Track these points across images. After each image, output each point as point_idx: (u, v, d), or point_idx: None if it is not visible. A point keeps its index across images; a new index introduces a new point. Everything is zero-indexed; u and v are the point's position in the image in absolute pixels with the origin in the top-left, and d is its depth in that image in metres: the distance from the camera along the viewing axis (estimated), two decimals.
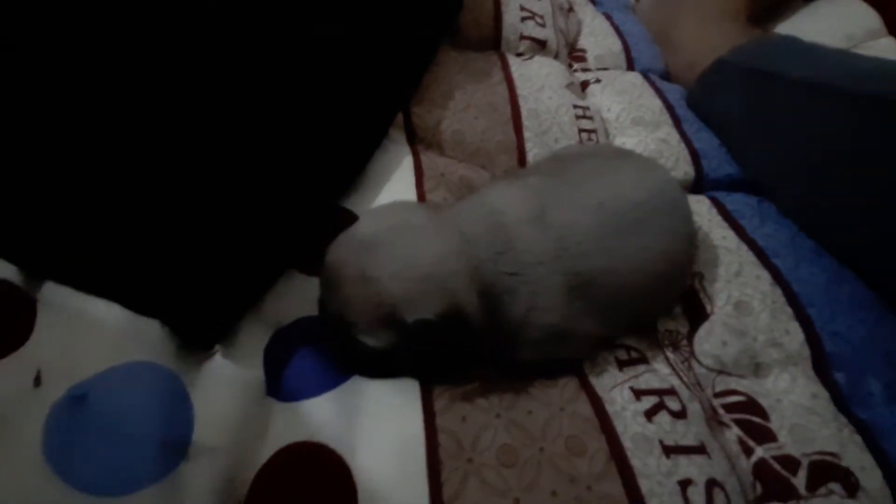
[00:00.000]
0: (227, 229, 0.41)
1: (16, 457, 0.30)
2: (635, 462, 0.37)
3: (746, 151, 0.62)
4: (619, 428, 0.39)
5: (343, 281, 0.37)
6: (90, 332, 0.36)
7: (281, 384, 0.39)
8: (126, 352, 0.35)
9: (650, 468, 0.37)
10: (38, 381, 0.33)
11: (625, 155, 0.53)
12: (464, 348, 0.38)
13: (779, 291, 0.48)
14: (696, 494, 0.36)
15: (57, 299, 0.37)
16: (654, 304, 0.46)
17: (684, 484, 0.36)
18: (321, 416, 0.36)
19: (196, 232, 0.40)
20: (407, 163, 0.53)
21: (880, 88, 0.49)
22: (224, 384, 0.37)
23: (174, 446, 0.33)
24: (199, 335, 0.38)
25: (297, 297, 0.44)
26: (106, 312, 0.36)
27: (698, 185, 0.62)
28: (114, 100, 0.41)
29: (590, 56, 0.76)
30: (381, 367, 0.39)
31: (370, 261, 0.36)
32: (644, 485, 0.36)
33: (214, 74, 0.45)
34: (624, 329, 0.46)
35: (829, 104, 0.53)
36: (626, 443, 0.38)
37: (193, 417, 0.35)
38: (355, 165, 0.51)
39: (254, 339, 0.41)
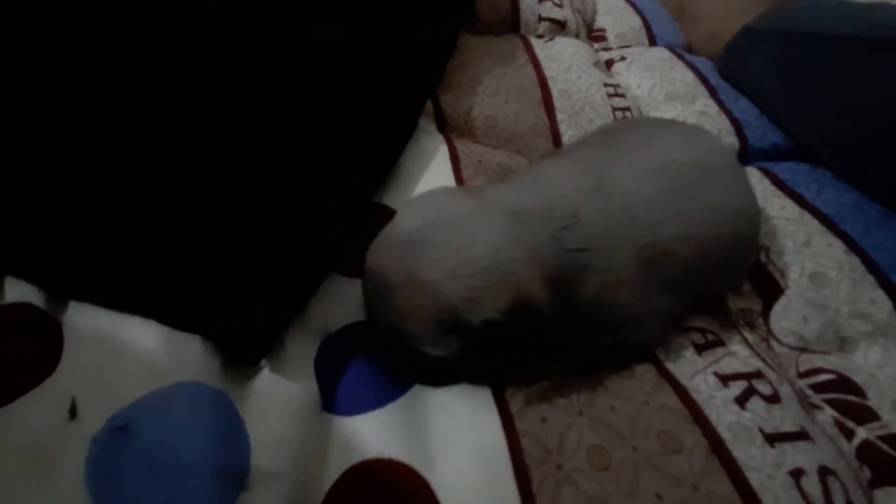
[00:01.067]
0: (265, 234, 0.37)
1: (57, 497, 0.26)
2: (738, 454, 0.33)
3: (790, 117, 0.59)
4: (713, 418, 0.36)
5: (392, 289, 0.32)
6: (125, 354, 0.32)
7: (336, 397, 0.35)
8: (167, 373, 0.31)
9: (756, 460, 0.33)
10: (73, 413, 0.29)
11: (669, 122, 0.50)
12: (535, 344, 0.35)
13: (856, 259, 0.44)
14: (811, 485, 0.32)
15: (84, 321, 0.33)
16: (725, 273, 0.43)
17: (796, 474, 0.33)
18: (388, 429, 0.33)
19: (232, 239, 0.36)
20: (442, 152, 0.49)
21: None
22: (277, 401, 0.33)
23: (232, 475, 0.29)
24: (244, 349, 0.34)
25: (342, 302, 0.40)
26: (141, 331, 0.32)
27: (743, 156, 0.58)
28: (141, 107, 0.38)
29: (610, 35, 0.73)
30: (446, 375, 0.35)
31: (419, 262, 0.32)
32: (753, 479, 0.32)
33: (244, 81, 0.42)
34: (693, 304, 0.42)
35: (879, 56, 0.50)
36: (724, 433, 0.35)
37: (249, 441, 0.31)
38: (388, 159, 0.48)
39: (302, 350, 0.37)
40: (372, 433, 0.33)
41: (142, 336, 0.32)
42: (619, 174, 0.38)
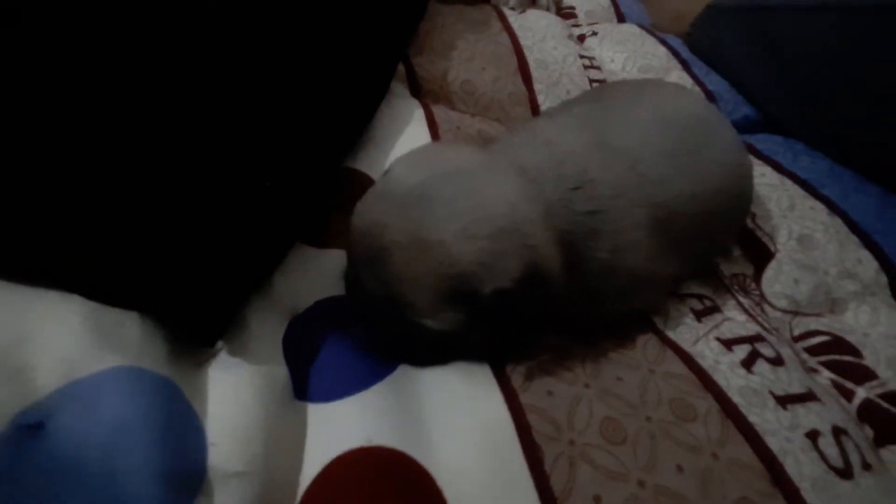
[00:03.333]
0: (219, 194, 0.31)
1: None
2: (753, 419, 0.31)
3: (761, 90, 0.59)
4: (722, 383, 0.33)
5: (390, 249, 0.28)
6: (38, 336, 0.25)
7: (310, 382, 0.30)
8: (95, 358, 0.25)
9: (771, 423, 0.31)
10: None
11: (655, 81, 0.49)
12: (541, 317, 0.31)
13: (839, 221, 0.44)
14: (829, 446, 0.31)
15: None
16: (726, 232, 0.42)
17: (812, 436, 0.31)
18: (374, 414, 0.28)
19: (180, 197, 0.30)
20: (418, 116, 0.45)
21: None
22: (238, 389, 0.27)
23: (182, 479, 0.23)
24: (196, 328, 0.28)
25: (312, 275, 0.35)
26: (61, 309, 0.26)
27: None
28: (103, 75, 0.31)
29: (579, 12, 0.72)
30: (441, 353, 0.31)
31: (424, 219, 0.27)
32: (772, 443, 0.30)
33: (200, 35, 0.36)
34: (695, 267, 0.40)
35: (833, 21, 0.51)
36: (736, 398, 0.32)
37: (205, 437, 0.25)
38: (359, 121, 0.43)
39: (266, 329, 0.32)
40: (355, 419, 0.28)
41: (61, 314, 0.26)
42: (620, 130, 0.35)
